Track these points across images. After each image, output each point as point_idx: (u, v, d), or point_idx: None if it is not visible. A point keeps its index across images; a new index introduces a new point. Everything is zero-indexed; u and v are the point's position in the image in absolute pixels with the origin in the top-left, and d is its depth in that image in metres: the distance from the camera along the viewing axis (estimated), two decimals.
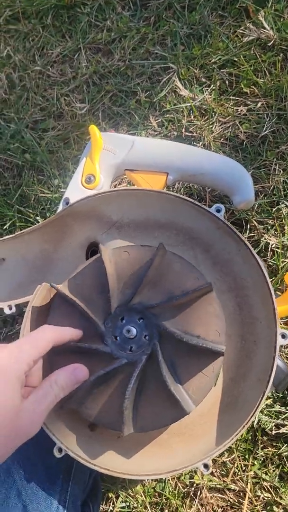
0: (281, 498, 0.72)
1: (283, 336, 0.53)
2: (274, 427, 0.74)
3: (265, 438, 0.74)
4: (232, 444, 0.51)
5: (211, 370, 0.51)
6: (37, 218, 0.94)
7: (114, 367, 0.51)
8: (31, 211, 0.95)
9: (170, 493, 0.76)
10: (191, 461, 0.52)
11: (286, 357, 0.76)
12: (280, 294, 0.76)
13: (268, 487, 0.73)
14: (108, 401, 0.52)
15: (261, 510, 0.73)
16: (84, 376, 0.50)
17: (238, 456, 0.74)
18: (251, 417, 0.51)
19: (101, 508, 0.79)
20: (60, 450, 0.54)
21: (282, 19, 0.89)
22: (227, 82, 0.90)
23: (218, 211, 0.56)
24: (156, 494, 0.77)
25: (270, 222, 0.80)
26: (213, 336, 0.51)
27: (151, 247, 0.55)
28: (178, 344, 0.51)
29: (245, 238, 0.80)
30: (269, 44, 0.88)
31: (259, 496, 0.73)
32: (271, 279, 0.78)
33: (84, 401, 0.52)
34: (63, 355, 0.53)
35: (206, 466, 0.51)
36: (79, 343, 0.52)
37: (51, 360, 0.54)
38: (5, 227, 0.95)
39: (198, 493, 0.75)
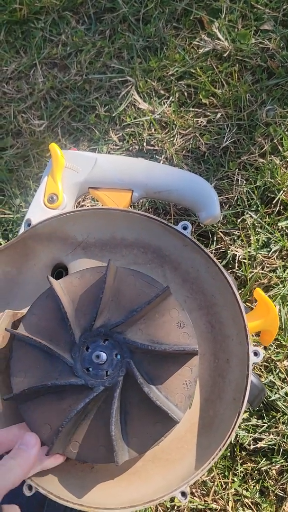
0: None
1: (256, 354, 0.52)
2: (252, 441, 0.72)
3: (243, 453, 0.73)
4: (210, 467, 0.49)
5: (189, 372, 0.49)
6: None
7: (92, 398, 0.48)
8: None
9: None
10: (168, 489, 0.50)
11: (260, 369, 0.75)
12: (250, 306, 0.76)
13: (250, 503, 0.71)
14: (91, 434, 0.49)
15: None
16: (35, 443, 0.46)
17: (218, 474, 0.73)
18: (228, 438, 0.49)
19: None
20: (30, 487, 0.51)
21: (236, 30, 0.89)
22: (185, 93, 0.90)
23: (185, 228, 0.55)
24: None
25: (236, 233, 0.80)
26: (182, 339, 0.50)
27: (101, 267, 0.53)
28: (151, 356, 0.50)
29: (212, 250, 0.80)
30: (225, 55, 0.88)
31: None
32: (240, 291, 0.77)
33: (69, 443, 0.49)
34: (36, 399, 0.50)
35: (183, 494, 0.49)
36: (51, 381, 0.49)
37: (23, 408, 0.50)
38: None
39: None
